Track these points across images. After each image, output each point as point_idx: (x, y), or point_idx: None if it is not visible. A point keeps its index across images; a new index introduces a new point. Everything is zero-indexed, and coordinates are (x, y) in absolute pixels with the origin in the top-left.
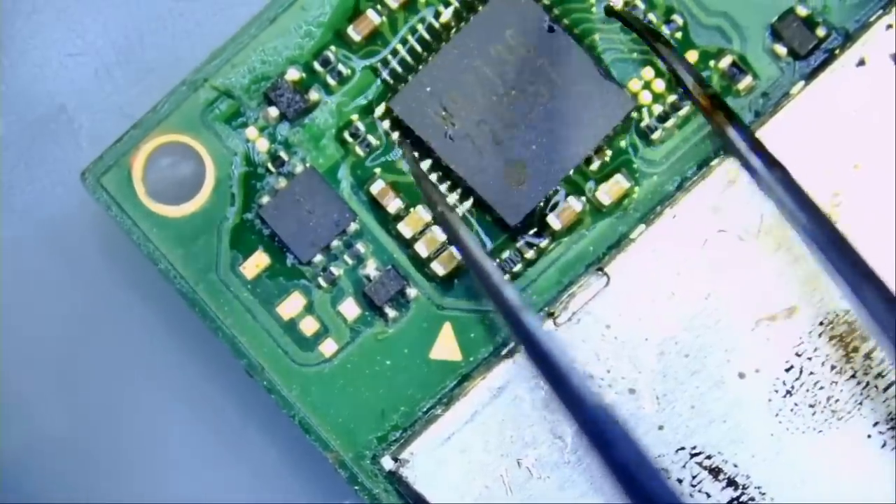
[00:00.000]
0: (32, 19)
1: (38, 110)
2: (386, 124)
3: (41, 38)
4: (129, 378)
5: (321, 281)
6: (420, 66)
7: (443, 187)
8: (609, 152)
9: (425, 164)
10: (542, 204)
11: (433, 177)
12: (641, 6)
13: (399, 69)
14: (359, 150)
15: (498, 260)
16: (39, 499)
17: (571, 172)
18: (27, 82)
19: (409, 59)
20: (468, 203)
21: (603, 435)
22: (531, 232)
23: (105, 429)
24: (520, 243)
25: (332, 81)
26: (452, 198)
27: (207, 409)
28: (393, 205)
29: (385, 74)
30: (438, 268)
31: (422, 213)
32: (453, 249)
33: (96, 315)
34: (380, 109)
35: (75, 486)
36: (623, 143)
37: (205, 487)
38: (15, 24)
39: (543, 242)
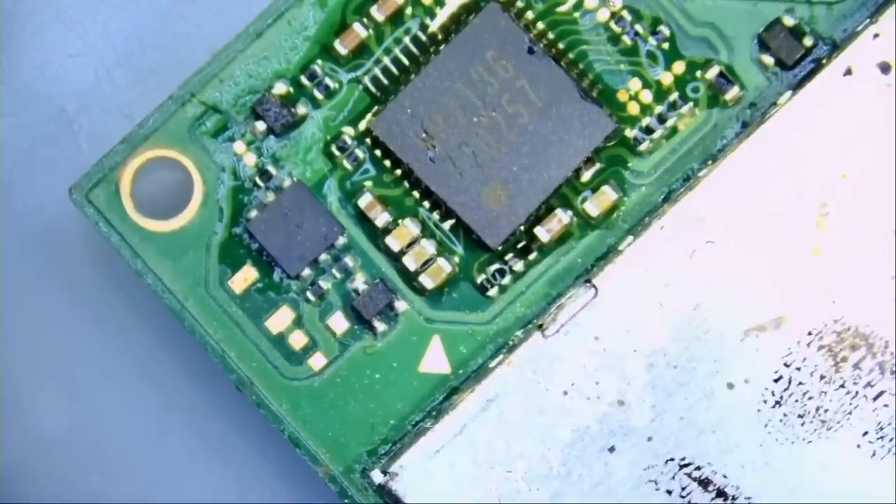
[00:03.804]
0: (32, 20)
1: (37, 112)
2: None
3: (41, 39)
4: (129, 379)
5: (309, 295)
6: (408, 79)
7: (423, 206)
8: (598, 164)
9: (405, 184)
10: (522, 228)
11: (414, 194)
12: (628, 17)
13: (386, 82)
14: (346, 164)
15: (485, 275)
16: (39, 499)
17: (557, 187)
18: (27, 83)
19: (395, 70)
20: (449, 223)
21: None
22: (519, 245)
23: (105, 429)
24: (508, 256)
25: (319, 95)
26: (433, 218)
27: (200, 419)
28: (381, 218)
29: (372, 87)
30: (427, 281)
31: (410, 227)
32: (441, 262)
33: (96, 315)
34: (362, 125)
35: (75, 486)
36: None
37: (200, 490)
38: (15, 25)
39: (519, 266)
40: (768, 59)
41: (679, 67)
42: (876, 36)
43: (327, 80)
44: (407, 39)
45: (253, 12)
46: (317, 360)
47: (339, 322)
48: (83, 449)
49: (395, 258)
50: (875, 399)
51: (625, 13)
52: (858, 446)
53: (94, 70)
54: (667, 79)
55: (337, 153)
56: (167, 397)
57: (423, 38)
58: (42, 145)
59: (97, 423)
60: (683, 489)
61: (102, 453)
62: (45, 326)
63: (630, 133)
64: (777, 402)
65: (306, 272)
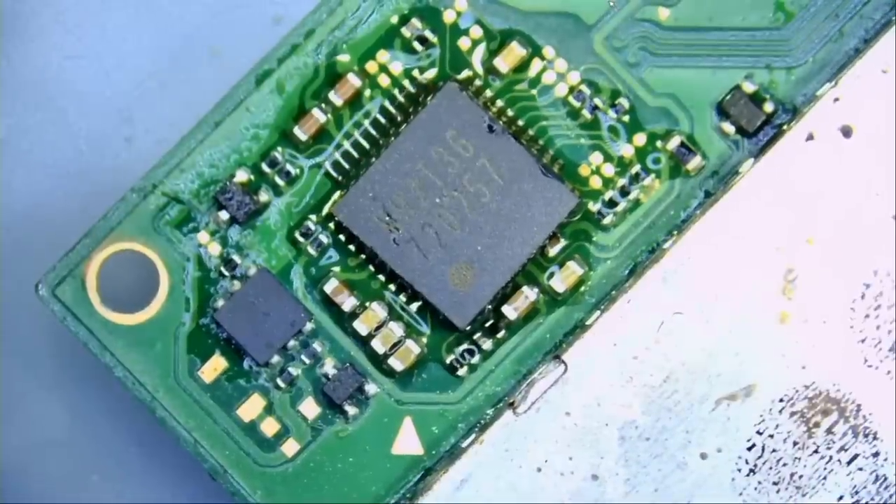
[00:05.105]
0: (32, 22)
1: (37, 113)
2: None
3: (41, 40)
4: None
5: (279, 381)
6: (369, 162)
7: (389, 289)
8: (563, 241)
9: (370, 268)
10: (489, 307)
11: (380, 277)
12: (587, 91)
13: (347, 166)
14: (311, 250)
15: (454, 355)
16: (39, 499)
17: (523, 264)
18: (27, 85)
19: (355, 154)
20: (415, 305)
21: None
22: (487, 324)
23: (105, 429)
24: (476, 335)
25: (280, 182)
26: (400, 300)
27: None
28: (347, 303)
29: (333, 172)
30: (396, 363)
31: (377, 311)
32: (409, 344)
33: None
34: (324, 210)
35: (75, 486)
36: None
37: (200, 490)
38: (15, 26)
39: (487, 344)
40: (729, 128)
41: (640, 139)
42: (836, 100)
43: (288, 167)
44: (367, 122)
45: (253, 13)
46: (290, 447)
47: (310, 407)
48: (83, 449)
49: (363, 342)
50: (849, 463)
51: (583, 87)
52: None
53: (93, 72)
54: (628, 151)
55: (301, 239)
56: None
57: (383, 120)
58: (42, 146)
59: (97, 423)
60: None
61: (102, 453)
62: (45, 326)
63: (593, 207)
64: (751, 471)
65: (275, 359)
